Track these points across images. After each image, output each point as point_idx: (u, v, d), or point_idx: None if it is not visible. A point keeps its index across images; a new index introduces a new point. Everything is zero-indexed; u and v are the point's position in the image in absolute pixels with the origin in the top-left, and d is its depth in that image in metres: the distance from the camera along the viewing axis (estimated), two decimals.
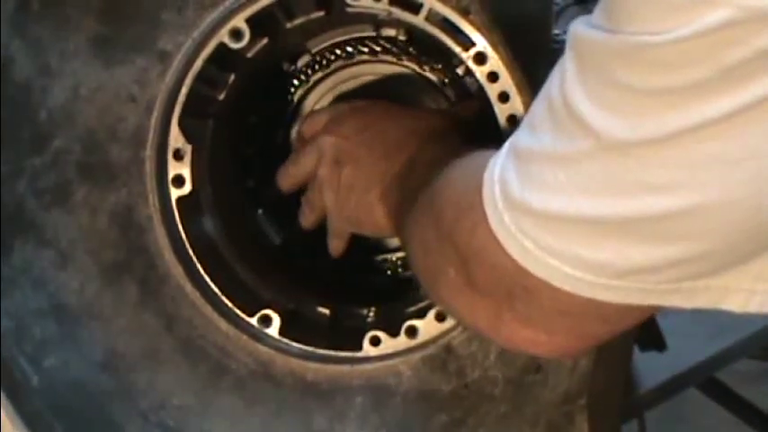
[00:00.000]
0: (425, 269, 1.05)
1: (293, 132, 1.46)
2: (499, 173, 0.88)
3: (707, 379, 2.45)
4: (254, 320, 1.29)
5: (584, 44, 0.79)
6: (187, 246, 1.29)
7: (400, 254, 1.49)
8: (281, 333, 1.29)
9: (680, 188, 0.76)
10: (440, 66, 1.45)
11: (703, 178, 0.75)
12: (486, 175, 0.90)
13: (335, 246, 1.37)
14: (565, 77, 0.81)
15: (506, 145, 0.90)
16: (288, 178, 1.37)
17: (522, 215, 0.85)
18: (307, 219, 1.37)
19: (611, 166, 0.78)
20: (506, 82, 1.22)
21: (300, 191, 1.38)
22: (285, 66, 1.48)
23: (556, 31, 1.59)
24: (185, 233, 1.29)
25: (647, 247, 0.81)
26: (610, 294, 0.84)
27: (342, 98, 1.48)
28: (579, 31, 0.80)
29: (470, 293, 0.96)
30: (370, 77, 1.48)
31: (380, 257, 1.52)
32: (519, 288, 0.89)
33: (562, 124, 0.81)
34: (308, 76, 1.48)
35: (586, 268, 0.83)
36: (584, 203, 0.81)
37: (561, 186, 0.81)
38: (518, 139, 0.88)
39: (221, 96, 1.34)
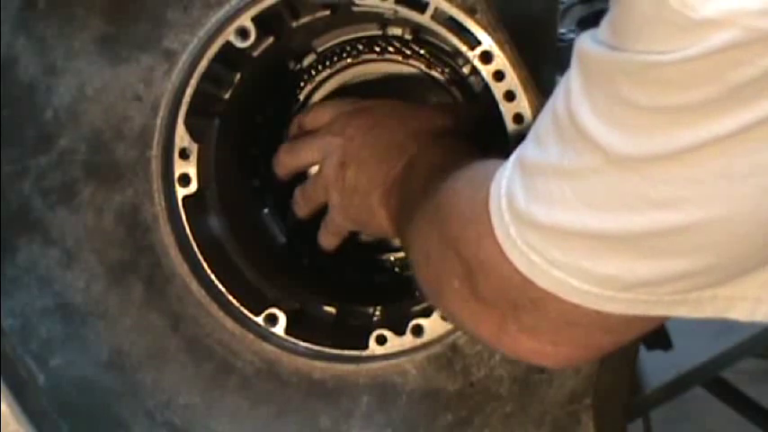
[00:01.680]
0: (428, 278, 1.05)
1: (293, 123, 1.45)
2: (506, 185, 0.88)
3: (712, 378, 2.45)
4: (260, 319, 1.29)
5: (590, 60, 0.79)
6: (193, 245, 1.29)
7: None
8: (287, 332, 1.29)
9: (685, 204, 0.77)
10: (445, 65, 1.45)
11: (708, 194, 0.76)
12: (493, 188, 0.90)
13: (330, 242, 1.38)
14: (570, 92, 0.81)
15: (513, 157, 0.90)
16: (282, 168, 1.38)
17: (529, 228, 0.86)
18: (300, 210, 1.38)
19: (618, 181, 0.79)
20: (512, 81, 1.22)
21: None
22: (291, 65, 1.48)
23: (561, 30, 1.60)
24: (191, 232, 1.29)
25: (652, 262, 0.81)
26: (616, 306, 0.85)
27: (346, 91, 1.48)
28: (585, 46, 0.80)
29: (475, 304, 0.96)
30: (376, 76, 1.48)
31: (385, 256, 1.52)
32: (525, 300, 0.89)
33: (568, 139, 0.81)
34: (313, 75, 1.48)
35: (593, 281, 0.84)
36: (590, 218, 0.81)
37: (567, 201, 0.82)
38: (524, 151, 0.88)
39: (227, 95, 1.35)
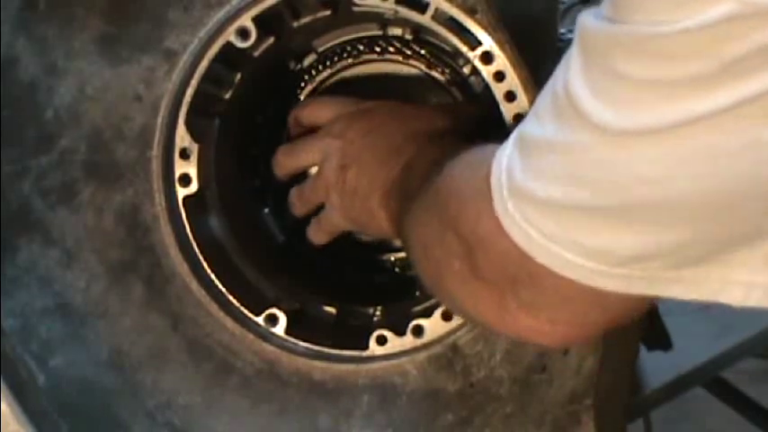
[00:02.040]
0: (428, 265, 1.05)
1: (290, 117, 1.45)
2: (506, 162, 0.89)
3: (712, 378, 2.45)
4: (260, 319, 1.29)
5: (589, 35, 0.80)
6: (193, 245, 1.29)
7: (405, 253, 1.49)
8: (287, 332, 1.29)
9: (676, 180, 0.77)
10: (446, 65, 1.45)
11: (699, 171, 0.76)
12: (495, 164, 0.91)
13: (321, 238, 1.39)
14: (569, 68, 0.82)
15: (513, 134, 0.90)
16: (281, 168, 1.39)
17: (526, 203, 0.86)
18: (298, 210, 1.39)
19: (609, 157, 0.79)
20: (513, 81, 1.22)
21: None
22: (291, 65, 1.48)
23: (561, 30, 1.60)
24: (191, 232, 1.29)
25: (644, 235, 0.82)
26: (610, 282, 0.85)
27: (344, 86, 1.48)
28: (586, 22, 0.80)
29: (475, 283, 0.96)
30: (377, 76, 1.48)
31: (386, 256, 1.52)
32: (523, 274, 0.90)
33: (564, 115, 0.82)
34: (314, 75, 1.48)
35: (587, 256, 0.85)
36: (582, 193, 0.82)
37: (562, 176, 0.83)
38: (524, 128, 0.89)
39: (227, 95, 1.35)
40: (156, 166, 1.27)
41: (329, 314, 1.38)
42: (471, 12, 1.22)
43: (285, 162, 1.38)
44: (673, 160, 0.76)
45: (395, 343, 1.27)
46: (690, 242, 0.82)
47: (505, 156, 0.90)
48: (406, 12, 1.25)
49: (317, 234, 1.39)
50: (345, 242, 1.42)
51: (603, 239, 0.83)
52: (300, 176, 1.39)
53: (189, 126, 1.27)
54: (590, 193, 0.81)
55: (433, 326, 1.26)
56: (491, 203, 0.90)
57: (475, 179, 0.93)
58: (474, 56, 1.23)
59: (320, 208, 1.36)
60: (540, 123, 0.86)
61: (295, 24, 1.36)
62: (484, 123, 1.29)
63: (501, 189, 0.89)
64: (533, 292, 0.91)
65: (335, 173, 1.29)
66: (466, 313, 1.09)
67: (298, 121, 1.40)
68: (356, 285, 1.49)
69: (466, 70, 1.41)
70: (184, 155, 1.28)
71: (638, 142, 0.77)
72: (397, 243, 1.50)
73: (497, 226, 0.89)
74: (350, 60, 1.47)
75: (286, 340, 1.29)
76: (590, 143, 0.80)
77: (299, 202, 1.38)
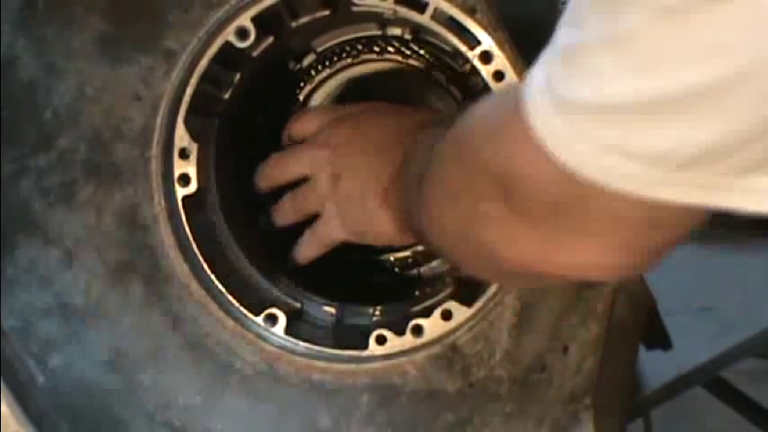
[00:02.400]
0: (456, 222, 0.98)
1: (284, 135, 1.45)
2: (545, 79, 0.82)
3: (712, 378, 2.44)
4: (259, 319, 1.29)
5: None
6: (192, 244, 1.29)
7: (406, 252, 1.49)
8: (286, 332, 1.29)
9: (737, 56, 0.71)
10: (445, 65, 1.45)
11: (762, 43, 0.69)
12: (528, 88, 0.83)
13: (312, 253, 1.37)
14: None
15: (544, 56, 0.84)
16: (268, 180, 1.38)
17: (576, 114, 0.79)
18: (287, 219, 1.38)
19: (663, 34, 0.73)
20: (512, 81, 1.22)
21: None
22: (291, 65, 1.48)
23: None
24: (191, 232, 1.29)
25: (706, 127, 0.75)
26: (667, 191, 0.79)
27: (345, 95, 1.48)
28: None
29: (515, 222, 0.89)
30: (376, 76, 1.48)
31: (385, 256, 1.52)
32: (568, 198, 0.83)
33: (606, 6, 0.76)
34: (313, 75, 1.48)
35: (646, 161, 0.78)
36: (641, 83, 0.75)
37: (614, 70, 0.76)
38: (560, 41, 0.82)
39: (227, 95, 1.35)
40: (155, 166, 1.27)
41: (329, 314, 1.38)
42: (471, 11, 1.22)
43: (274, 174, 1.36)
44: (732, 31, 0.70)
45: (394, 343, 1.27)
46: (756, 137, 0.75)
47: (539, 75, 0.83)
48: (405, 11, 1.25)
49: (310, 248, 1.37)
50: (345, 242, 1.42)
51: (662, 137, 0.76)
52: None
53: (188, 126, 1.27)
54: (647, 83, 0.75)
55: (433, 326, 1.26)
56: (525, 130, 0.82)
57: (502, 110, 0.87)
58: (473, 55, 1.23)
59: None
60: (578, 28, 0.79)
61: (294, 24, 1.36)
62: None
63: (542, 107, 0.81)
64: (581, 217, 0.85)
65: (327, 183, 1.28)
66: (500, 263, 0.96)
67: (291, 138, 1.40)
68: (356, 285, 1.49)
69: (465, 70, 1.41)
70: (184, 155, 1.28)
71: (693, 15, 0.71)
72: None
73: (535, 152, 0.82)
74: (349, 60, 1.47)
75: (286, 340, 1.29)
76: (640, 24, 0.73)
77: (290, 211, 1.37)
